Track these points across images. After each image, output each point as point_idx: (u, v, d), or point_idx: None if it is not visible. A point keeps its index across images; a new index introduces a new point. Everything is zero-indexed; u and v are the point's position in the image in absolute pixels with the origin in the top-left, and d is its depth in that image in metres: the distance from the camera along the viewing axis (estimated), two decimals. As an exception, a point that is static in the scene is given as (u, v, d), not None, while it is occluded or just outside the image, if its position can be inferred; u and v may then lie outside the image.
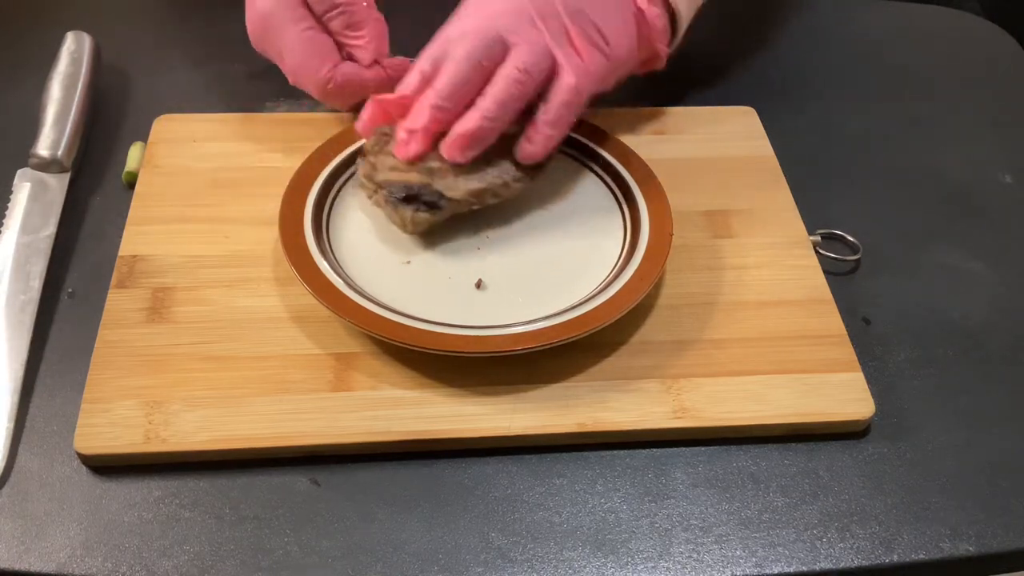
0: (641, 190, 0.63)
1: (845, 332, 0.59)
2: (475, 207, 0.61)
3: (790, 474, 0.54)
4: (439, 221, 0.60)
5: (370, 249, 0.61)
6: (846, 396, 0.56)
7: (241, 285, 0.59)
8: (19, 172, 0.65)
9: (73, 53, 0.71)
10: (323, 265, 0.57)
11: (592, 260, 0.61)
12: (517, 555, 0.50)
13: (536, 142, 0.61)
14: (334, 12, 0.64)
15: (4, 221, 0.62)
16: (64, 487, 0.51)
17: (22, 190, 0.64)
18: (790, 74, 0.80)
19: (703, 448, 0.55)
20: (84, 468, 0.52)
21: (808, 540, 0.51)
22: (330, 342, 0.57)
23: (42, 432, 0.54)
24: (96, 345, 0.56)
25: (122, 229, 0.62)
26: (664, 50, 0.67)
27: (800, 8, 0.87)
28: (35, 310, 0.58)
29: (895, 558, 0.51)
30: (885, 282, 0.64)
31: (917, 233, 0.68)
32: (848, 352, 0.58)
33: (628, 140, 0.67)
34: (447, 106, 0.59)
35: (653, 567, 0.50)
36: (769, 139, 0.71)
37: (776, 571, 0.50)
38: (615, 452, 0.54)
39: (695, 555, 0.50)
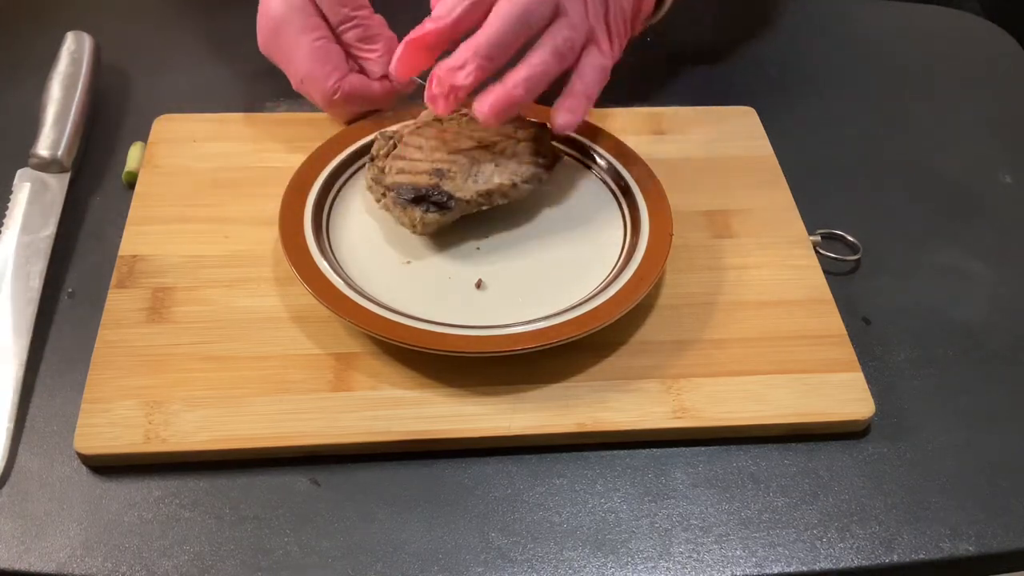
0: (641, 190, 0.63)
1: (845, 332, 0.59)
2: (484, 208, 0.61)
3: (790, 474, 0.54)
4: (448, 222, 0.60)
5: (370, 249, 0.61)
6: (846, 396, 0.56)
7: (241, 285, 0.59)
8: (19, 172, 0.65)
9: (73, 53, 0.71)
10: (323, 265, 0.57)
11: (592, 260, 0.61)
12: (517, 555, 0.50)
13: (576, 111, 0.61)
14: (349, 24, 0.64)
15: (4, 221, 0.62)
16: (64, 487, 0.51)
17: (22, 190, 0.64)
18: (790, 74, 0.80)
19: (703, 448, 0.55)
20: (84, 468, 0.52)
21: (808, 540, 0.51)
22: (330, 342, 0.57)
23: (42, 432, 0.54)
24: (96, 345, 0.56)
25: (122, 229, 0.62)
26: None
27: (800, 8, 0.87)
28: (35, 310, 0.58)
29: (895, 558, 0.51)
30: (885, 282, 0.64)
31: (917, 233, 0.68)
32: (848, 352, 0.58)
33: (628, 140, 0.67)
34: (490, 65, 0.58)
35: (653, 567, 0.50)
36: (769, 139, 0.71)
37: (776, 571, 0.50)
38: (615, 452, 0.54)
39: (695, 555, 0.50)
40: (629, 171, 0.65)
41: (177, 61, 0.77)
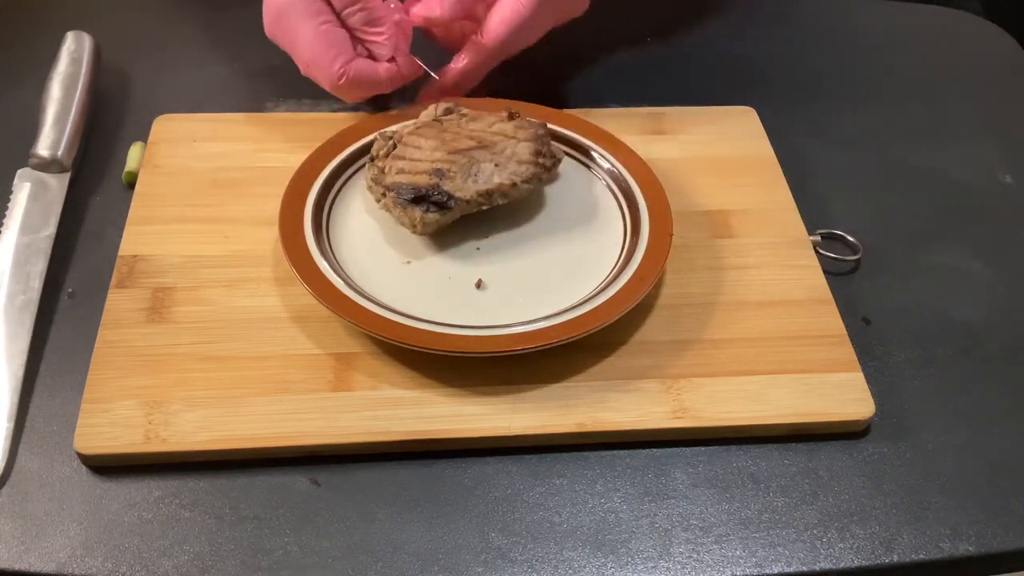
0: (641, 190, 0.63)
1: (845, 332, 0.59)
2: (484, 207, 0.61)
3: (790, 474, 0.54)
4: (448, 222, 0.60)
5: (370, 249, 0.61)
6: (846, 396, 0.56)
7: (241, 285, 0.59)
8: (19, 172, 0.65)
9: (73, 53, 0.71)
10: (323, 265, 0.57)
11: (592, 260, 0.61)
12: (517, 555, 0.50)
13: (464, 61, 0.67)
14: (354, 8, 0.64)
15: (4, 221, 0.62)
16: (64, 487, 0.51)
17: (22, 190, 0.64)
18: (790, 74, 0.80)
19: (703, 448, 0.55)
20: (84, 468, 0.52)
21: (808, 540, 0.51)
22: (330, 342, 0.57)
23: (42, 432, 0.54)
24: (96, 345, 0.56)
25: (122, 229, 0.62)
26: None
27: (800, 8, 0.87)
28: (35, 310, 0.58)
29: (895, 558, 0.51)
30: (885, 282, 0.64)
31: (917, 233, 0.68)
32: (848, 352, 0.58)
33: (628, 140, 0.67)
34: None
35: (653, 567, 0.50)
36: (769, 139, 0.71)
37: (776, 571, 0.50)
38: (615, 452, 0.54)
39: (695, 555, 0.50)
40: (629, 171, 0.65)
41: (177, 61, 0.77)
